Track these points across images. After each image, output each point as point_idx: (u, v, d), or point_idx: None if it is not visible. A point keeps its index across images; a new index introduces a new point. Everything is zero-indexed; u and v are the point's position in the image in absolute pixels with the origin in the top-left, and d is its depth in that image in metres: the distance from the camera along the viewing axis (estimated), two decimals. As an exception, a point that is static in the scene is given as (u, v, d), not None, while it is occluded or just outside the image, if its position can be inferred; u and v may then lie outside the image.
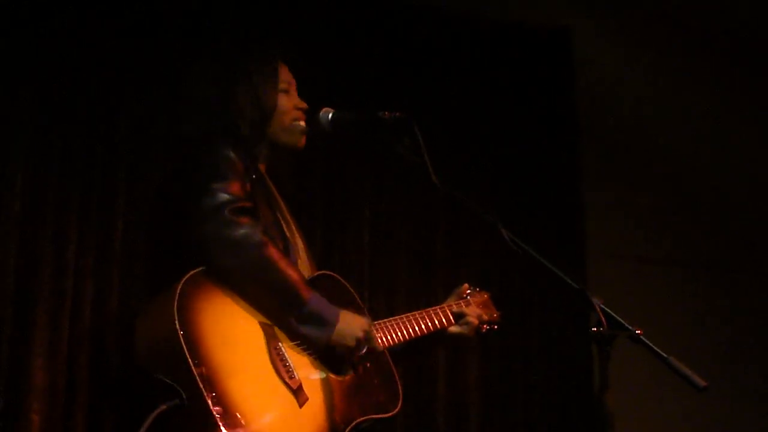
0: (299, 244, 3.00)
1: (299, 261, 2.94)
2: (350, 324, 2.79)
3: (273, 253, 2.70)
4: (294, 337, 2.74)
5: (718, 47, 5.24)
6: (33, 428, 3.45)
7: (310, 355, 2.78)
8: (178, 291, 2.56)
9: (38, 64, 3.70)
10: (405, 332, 3.05)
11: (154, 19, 3.95)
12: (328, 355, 2.79)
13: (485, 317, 3.28)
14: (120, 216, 3.75)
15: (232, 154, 2.77)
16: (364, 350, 2.81)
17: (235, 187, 2.71)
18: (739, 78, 5.31)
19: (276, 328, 2.74)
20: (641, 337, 2.37)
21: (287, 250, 2.87)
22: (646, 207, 5.17)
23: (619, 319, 2.38)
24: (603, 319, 2.34)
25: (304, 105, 3.04)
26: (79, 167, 3.72)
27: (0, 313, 3.48)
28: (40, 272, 3.57)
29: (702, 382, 2.35)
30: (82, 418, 3.55)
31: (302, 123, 3.00)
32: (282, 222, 2.94)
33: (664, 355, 2.36)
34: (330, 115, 2.96)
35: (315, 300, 2.74)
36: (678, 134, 5.25)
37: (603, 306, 2.38)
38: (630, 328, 2.37)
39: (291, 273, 2.72)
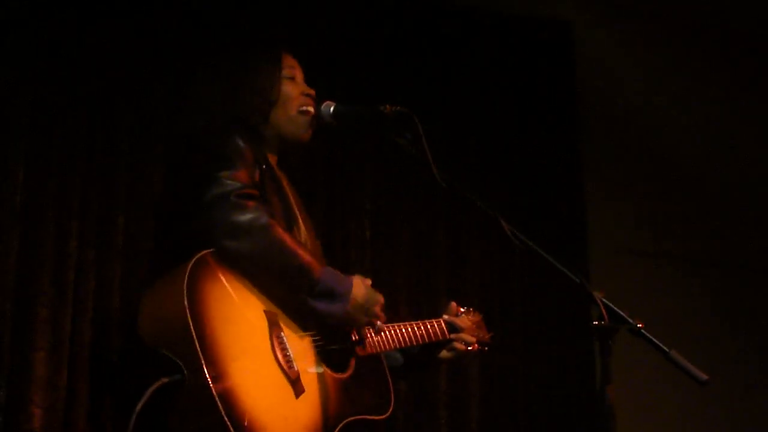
0: (305, 235, 2.99)
1: None
2: (363, 299, 2.80)
3: (281, 234, 2.70)
4: (308, 314, 2.75)
5: (720, 43, 5.24)
6: (34, 421, 3.45)
7: (312, 346, 2.79)
8: (188, 269, 2.57)
9: (39, 58, 3.71)
10: (401, 336, 3.06)
11: (155, 12, 3.95)
12: (342, 327, 2.82)
13: (477, 336, 3.29)
14: (121, 210, 3.76)
15: (241, 143, 2.77)
16: (377, 306, 2.85)
17: (243, 176, 2.71)
18: (741, 74, 5.30)
19: (280, 317, 2.74)
20: (642, 330, 2.37)
21: None
22: (648, 202, 5.16)
23: (621, 312, 2.38)
24: (604, 312, 2.34)
25: (311, 91, 3.01)
26: (80, 161, 3.73)
27: (2, 307, 3.49)
28: (42, 266, 3.57)
29: (703, 376, 2.34)
30: (84, 411, 3.55)
31: (310, 109, 2.98)
32: (289, 214, 2.94)
33: (666, 348, 2.36)
34: (332, 109, 2.96)
35: (327, 275, 2.76)
36: (680, 129, 5.24)
37: (604, 300, 2.38)
38: (631, 321, 2.37)
39: (300, 252, 2.73)
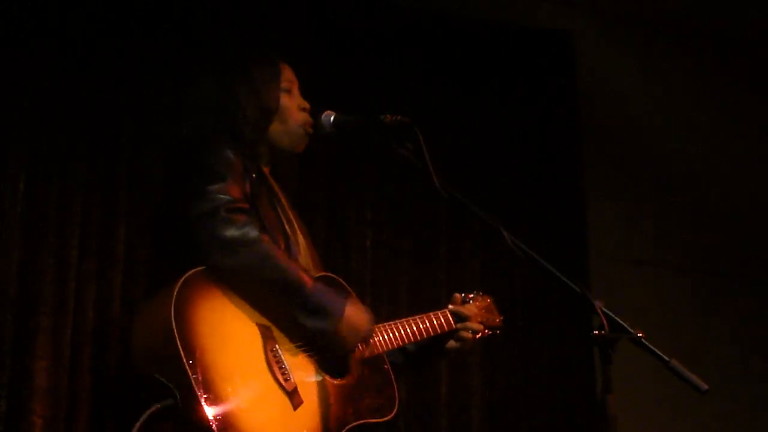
0: (301, 242, 2.99)
1: (300, 259, 2.93)
2: (356, 320, 2.77)
3: (271, 248, 2.70)
4: (300, 329, 2.73)
5: (720, 53, 5.25)
6: (35, 431, 3.45)
7: (309, 356, 2.77)
8: (176, 290, 2.56)
9: (40, 67, 3.71)
10: (404, 335, 3.03)
11: (157, 21, 3.96)
12: (331, 348, 2.77)
13: (486, 321, 3.27)
14: (122, 219, 3.75)
15: (231, 155, 2.76)
16: (367, 348, 2.80)
17: (232, 189, 2.71)
18: (741, 84, 5.31)
19: (274, 330, 2.72)
20: (643, 340, 2.37)
21: (288, 249, 2.86)
22: (648, 210, 5.17)
23: (621, 322, 2.38)
24: (605, 322, 2.34)
25: (306, 105, 3.03)
26: (81, 170, 3.73)
27: (3, 316, 3.49)
28: (43, 275, 3.57)
29: (704, 386, 2.35)
30: (85, 421, 3.55)
31: (309, 129, 3.00)
32: (284, 222, 2.94)
33: (666, 358, 2.36)
34: (332, 118, 2.96)
35: (319, 290, 2.74)
36: (680, 138, 5.25)
37: (604, 309, 2.38)
38: (632, 331, 2.37)
39: (291, 266, 2.72)
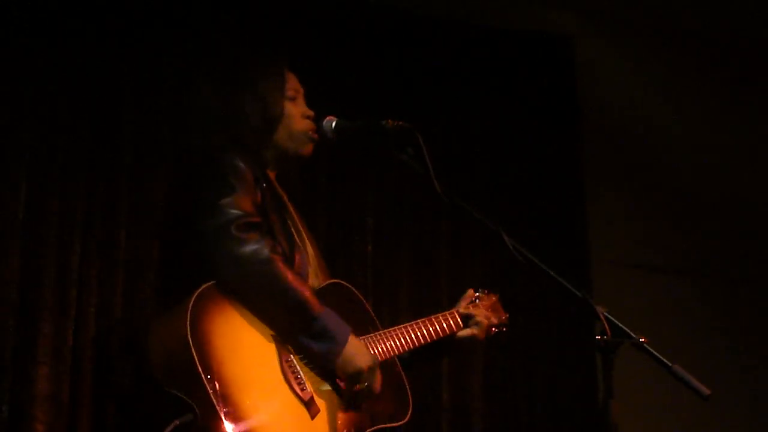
0: (310, 251, 2.99)
1: (309, 269, 2.93)
2: (358, 351, 2.75)
3: (281, 269, 2.68)
4: (299, 351, 2.73)
5: (721, 57, 5.25)
6: (37, 437, 3.45)
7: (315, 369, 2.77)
8: (190, 305, 2.55)
9: (42, 73, 3.71)
10: (414, 338, 3.03)
11: (157, 22, 3.96)
12: (330, 372, 2.76)
13: (494, 319, 3.26)
14: (123, 225, 3.75)
15: (241, 164, 2.75)
16: (364, 385, 2.77)
17: (244, 202, 2.69)
18: (741, 87, 5.31)
19: None
20: (645, 345, 2.37)
21: (292, 258, 2.85)
22: (650, 215, 5.17)
23: (623, 327, 2.38)
24: (607, 327, 2.34)
25: (311, 113, 3.03)
26: (82, 176, 3.73)
27: (4, 322, 3.48)
28: (44, 281, 3.57)
29: (706, 390, 2.34)
30: (87, 427, 3.54)
31: (314, 136, 3.00)
32: (292, 229, 2.93)
33: (668, 363, 2.36)
34: (333, 124, 2.96)
35: (326, 316, 2.72)
36: (681, 143, 5.25)
37: (607, 314, 2.38)
38: (634, 336, 2.37)
39: (300, 289, 2.70)
